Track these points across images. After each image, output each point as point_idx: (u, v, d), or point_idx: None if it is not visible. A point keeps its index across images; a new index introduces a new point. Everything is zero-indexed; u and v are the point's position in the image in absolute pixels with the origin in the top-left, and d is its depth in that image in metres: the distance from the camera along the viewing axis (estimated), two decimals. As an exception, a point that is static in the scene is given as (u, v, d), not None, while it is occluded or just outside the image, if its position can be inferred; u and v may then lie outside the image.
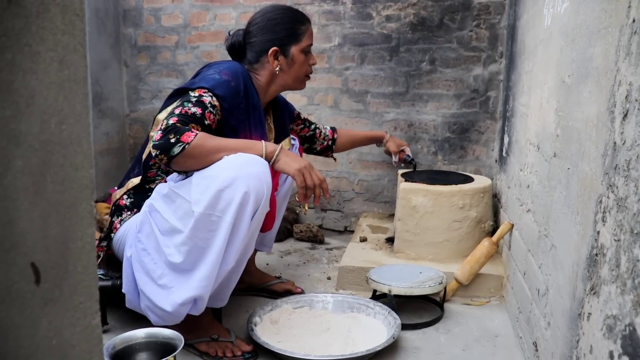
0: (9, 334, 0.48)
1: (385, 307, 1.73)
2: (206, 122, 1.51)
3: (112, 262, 1.68)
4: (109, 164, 2.88)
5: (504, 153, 2.27)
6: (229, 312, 1.82)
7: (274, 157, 1.53)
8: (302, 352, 1.50)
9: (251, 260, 2.02)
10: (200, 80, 1.58)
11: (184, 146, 1.41)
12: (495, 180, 2.47)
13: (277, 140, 1.88)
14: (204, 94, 1.54)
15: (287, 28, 1.72)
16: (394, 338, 1.55)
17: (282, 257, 2.44)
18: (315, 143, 2.22)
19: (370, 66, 2.66)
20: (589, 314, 0.94)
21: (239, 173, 1.39)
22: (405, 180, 2.23)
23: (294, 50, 1.73)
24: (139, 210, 1.60)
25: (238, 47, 1.76)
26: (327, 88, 2.73)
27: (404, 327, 1.69)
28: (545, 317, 1.29)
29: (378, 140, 2.44)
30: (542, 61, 1.55)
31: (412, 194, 2.13)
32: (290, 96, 2.77)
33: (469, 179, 2.26)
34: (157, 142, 1.42)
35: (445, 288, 1.88)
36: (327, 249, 2.60)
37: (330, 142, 2.25)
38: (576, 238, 1.06)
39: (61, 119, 0.54)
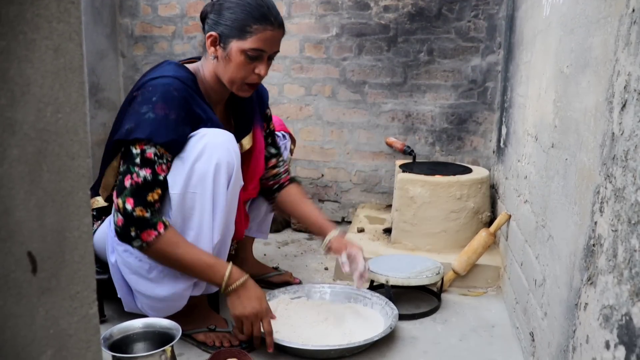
0: (6, 323, 0.48)
1: (383, 297, 1.73)
2: (160, 178, 1.41)
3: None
4: (106, 154, 2.87)
5: (501, 144, 2.27)
6: (226, 302, 1.82)
7: (233, 286, 1.46)
8: (300, 342, 1.51)
9: (249, 251, 2.02)
10: (136, 127, 1.39)
11: (142, 244, 1.39)
12: (492, 171, 2.47)
13: (237, 138, 1.61)
14: (146, 149, 1.39)
15: (235, 19, 1.46)
16: (391, 328, 1.55)
17: (279, 248, 2.44)
18: (266, 171, 1.84)
19: (368, 57, 2.65)
20: (586, 304, 0.94)
21: (205, 145, 1.40)
22: (403, 171, 2.23)
23: (234, 46, 1.47)
24: (107, 214, 1.59)
25: (204, 17, 1.55)
26: (324, 78, 2.73)
27: (402, 317, 1.70)
28: (542, 307, 1.29)
29: (321, 233, 1.75)
30: (540, 51, 1.54)
31: (409, 185, 2.13)
32: (288, 87, 2.77)
33: (467, 170, 2.26)
34: (119, 229, 1.39)
35: (442, 278, 1.88)
36: (325, 239, 2.59)
37: (276, 187, 1.86)
38: (574, 228, 1.06)
39: (57, 108, 0.53)
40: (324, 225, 1.75)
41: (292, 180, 1.89)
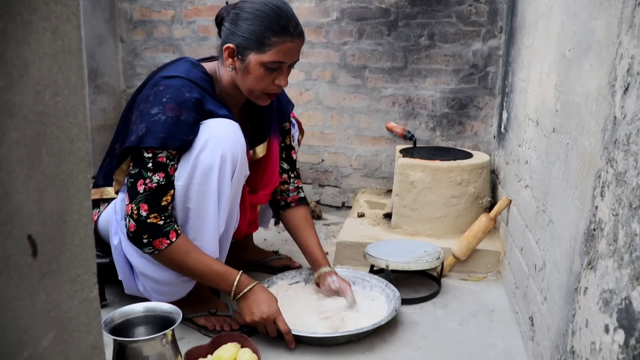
0: (7, 306, 0.48)
1: (382, 279, 1.74)
2: (173, 178, 1.41)
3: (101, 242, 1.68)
4: (106, 140, 2.86)
5: (502, 129, 2.26)
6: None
7: (241, 293, 1.47)
8: (305, 328, 1.51)
9: (249, 237, 2.02)
10: (147, 132, 1.37)
11: (154, 251, 1.41)
12: (493, 156, 2.47)
13: (251, 145, 1.67)
14: (158, 152, 1.38)
15: (254, 31, 1.42)
16: (396, 311, 1.55)
17: (279, 233, 2.44)
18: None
19: (368, 41, 2.63)
20: (586, 288, 0.95)
21: (209, 137, 1.39)
22: (403, 156, 2.23)
23: (252, 58, 1.44)
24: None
25: (220, 21, 1.52)
26: (324, 63, 2.71)
27: (402, 302, 1.70)
28: (541, 292, 1.30)
29: (313, 267, 1.76)
30: (542, 35, 1.53)
31: (410, 170, 2.12)
32: (288, 71, 2.75)
33: (468, 155, 2.26)
34: (131, 234, 1.40)
35: (442, 263, 1.89)
36: (325, 224, 2.60)
37: (283, 203, 1.84)
38: (574, 213, 1.06)
39: (56, 91, 0.53)
40: (318, 259, 1.72)
41: (301, 201, 1.84)
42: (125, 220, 1.42)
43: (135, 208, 1.39)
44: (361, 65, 2.66)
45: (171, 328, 1.18)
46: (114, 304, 1.68)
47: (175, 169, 1.42)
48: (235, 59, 1.47)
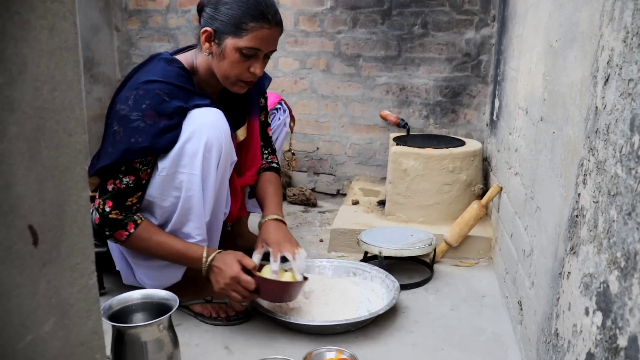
0: (11, 292, 0.51)
1: (382, 271, 1.75)
2: (143, 182, 1.46)
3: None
4: (102, 130, 2.87)
5: (494, 117, 2.29)
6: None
7: (205, 267, 1.47)
8: (307, 318, 1.53)
9: (244, 224, 2.05)
10: (127, 148, 1.39)
11: (117, 242, 1.48)
12: (485, 143, 2.49)
13: (231, 129, 1.60)
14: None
15: (232, 15, 1.43)
16: (395, 300, 1.57)
17: (275, 221, 2.47)
18: None
19: (362, 30, 2.64)
20: (569, 273, 0.98)
21: (195, 127, 1.42)
22: (397, 144, 2.25)
23: (229, 43, 1.45)
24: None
25: (200, 8, 1.52)
26: (319, 52, 2.72)
27: (394, 287, 1.73)
28: (529, 277, 1.33)
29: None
30: (531, 25, 1.55)
31: (403, 157, 2.15)
32: (282, 60, 2.76)
33: (460, 143, 2.28)
34: (95, 227, 1.45)
35: (434, 250, 1.92)
36: (320, 212, 2.63)
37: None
38: (559, 200, 1.09)
39: (53, 86, 0.55)
40: (264, 208, 1.69)
41: (271, 169, 1.83)
42: (92, 213, 1.45)
43: (102, 203, 1.45)
44: (355, 54, 2.68)
45: (168, 314, 1.21)
46: (112, 292, 1.70)
47: (147, 174, 1.46)
48: (212, 43, 1.48)
